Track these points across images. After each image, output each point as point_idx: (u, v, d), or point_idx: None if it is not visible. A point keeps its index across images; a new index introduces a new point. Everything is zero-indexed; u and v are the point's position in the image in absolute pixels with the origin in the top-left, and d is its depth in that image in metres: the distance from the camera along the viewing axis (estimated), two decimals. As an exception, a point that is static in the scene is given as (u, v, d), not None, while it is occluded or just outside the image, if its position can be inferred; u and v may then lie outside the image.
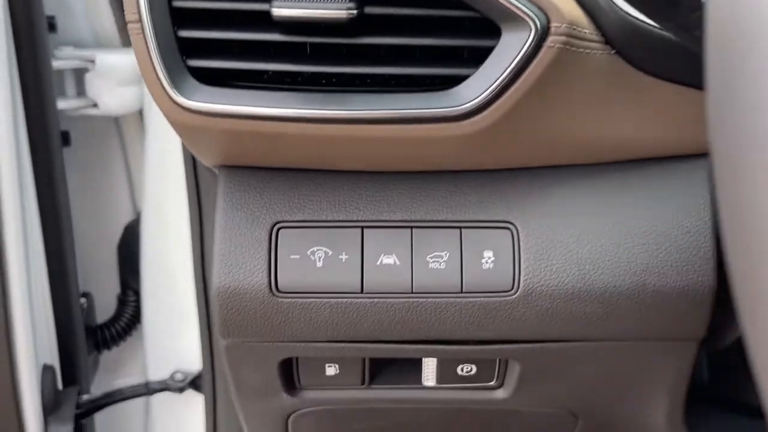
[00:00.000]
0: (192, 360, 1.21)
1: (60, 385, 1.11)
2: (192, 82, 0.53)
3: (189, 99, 0.53)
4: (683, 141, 0.62)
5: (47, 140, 1.01)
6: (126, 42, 1.13)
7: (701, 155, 0.64)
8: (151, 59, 0.52)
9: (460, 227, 0.61)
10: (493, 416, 0.76)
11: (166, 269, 1.18)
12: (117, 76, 1.07)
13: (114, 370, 1.36)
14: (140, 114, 1.19)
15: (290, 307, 0.61)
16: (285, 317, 0.62)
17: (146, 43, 0.52)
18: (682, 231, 0.62)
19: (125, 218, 1.28)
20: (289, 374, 0.70)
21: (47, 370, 1.05)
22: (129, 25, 0.52)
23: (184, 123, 0.54)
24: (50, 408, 1.04)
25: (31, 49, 0.95)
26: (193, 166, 0.94)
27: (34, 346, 1.00)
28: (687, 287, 0.62)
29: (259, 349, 0.65)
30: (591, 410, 0.74)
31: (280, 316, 0.61)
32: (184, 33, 0.53)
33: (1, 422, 0.98)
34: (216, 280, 0.60)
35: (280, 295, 0.61)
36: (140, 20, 0.52)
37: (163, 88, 0.53)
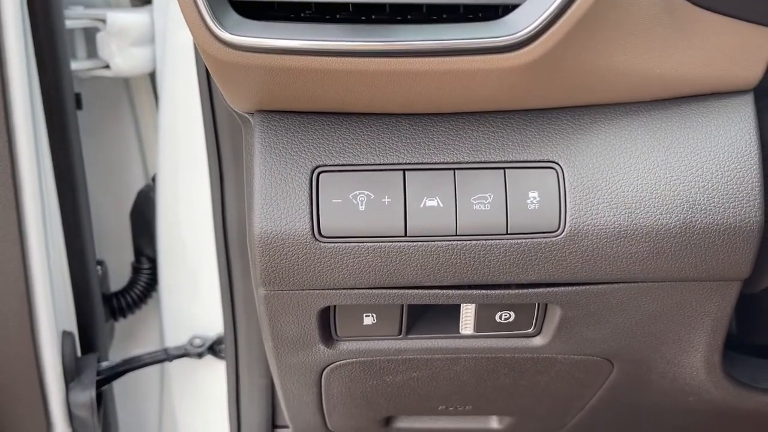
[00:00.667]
0: (209, 325, 1.20)
1: (79, 352, 1.10)
2: (234, 16, 0.52)
3: (232, 34, 0.51)
4: (729, 77, 0.61)
5: (62, 103, 0.99)
6: (135, 1, 1.11)
7: (745, 92, 0.63)
8: (192, -9, 0.50)
9: (503, 168, 0.60)
10: (528, 365, 0.75)
11: (182, 234, 1.16)
12: (129, 36, 1.05)
13: (129, 340, 1.35)
14: (150, 77, 1.17)
15: (333, 252, 0.60)
16: (327, 263, 0.61)
17: None
18: (728, 167, 0.61)
19: (137, 184, 1.26)
20: (326, 325, 0.69)
21: (67, 336, 1.04)
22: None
23: (225, 61, 0.53)
24: (71, 374, 1.03)
25: (44, 8, 0.93)
26: (213, 123, 0.92)
27: (54, 312, 0.98)
28: (734, 224, 0.61)
29: (298, 298, 0.64)
30: (628, 356, 0.74)
31: (322, 261, 0.60)
32: None
33: (23, 388, 0.98)
34: (257, 226, 0.59)
35: (323, 239, 0.60)
36: (180, -48, 0.50)
37: (205, 23, 0.51)
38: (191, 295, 1.20)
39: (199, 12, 0.51)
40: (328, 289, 0.63)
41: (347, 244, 0.60)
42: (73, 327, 1.08)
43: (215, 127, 0.95)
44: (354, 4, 0.53)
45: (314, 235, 0.59)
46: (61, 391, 1.00)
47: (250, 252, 0.64)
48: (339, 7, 0.54)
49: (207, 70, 0.88)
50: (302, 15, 0.55)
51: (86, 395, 1.02)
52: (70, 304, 1.08)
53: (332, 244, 0.60)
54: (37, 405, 0.98)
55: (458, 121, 0.62)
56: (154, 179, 1.21)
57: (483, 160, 0.61)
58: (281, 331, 0.68)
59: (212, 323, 1.19)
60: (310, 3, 0.53)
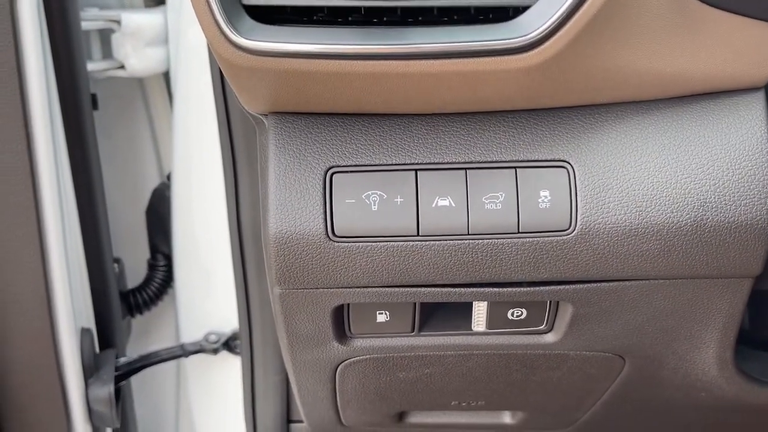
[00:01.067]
0: (224, 321, 1.22)
1: (97, 348, 1.11)
2: (249, 22, 0.52)
3: (247, 38, 0.52)
4: (740, 75, 0.61)
5: (78, 104, 1.00)
6: (149, 2, 1.12)
7: (756, 89, 0.63)
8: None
9: (515, 167, 0.61)
10: (540, 361, 0.76)
11: (197, 232, 1.18)
12: (144, 36, 1.06)
13: (146, 336, 1.37)
14: (163, 76, 1.19)
15: (346, 252, 0.61)
16: (341, 262, 0.61)
17: None
18: (739, 165, 0.61)
19: (152, 182, 1.28)
20: (340, 322, 0.70)
21: (85, 333, 1.06)
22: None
23: (240, 65, 0.54)
24: (90, 370, 1.05)
25: (60, 10, 0.94)
26: (227, 122, 0.93)
27: (72, 309, 1.00)
28: (745, 222, 0.61)
29: (312, 296, 0.65)
30: (640, 352, 0.75)
31: (336, 261, 0.61)
32: None
33: (44, 385, 1.00)
34: (272, 227, 0.60)
35: (337, 239, 0.61)
36: (195, -41, 0.51)
37: (220, 28, 0.52)
38: (206, 291, 1.22)
39: (214, 17, 0.52)
40: (341, 287, 0.64)
41: (360, 244, 0.61)
42: (91, 324, 1.10)
43: (229, 125, 0.96)
44: (366, 7, 0.54)
45: (328, 235, 0.60)
46: (81, 386, 1.02)
47: (265, 252, 0.65)
48: (351, 9, 0.55)
49: (221, 70, 0.89)
50: (315, 18, 0.56)
51: (105, 391, 1.03)
52: (88, 301, 1.10)
53: (346, 244, 0.61)
54: (57, 400, 1.00)
55: (470, 121, 0.63)
56: (169, 177, 1.23)
57: (494, 159, 0.61)
58: (296, 328, 0.69)
59: (227, 319, 1.21)
60: (322, 6, 0.54)
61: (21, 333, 0.98)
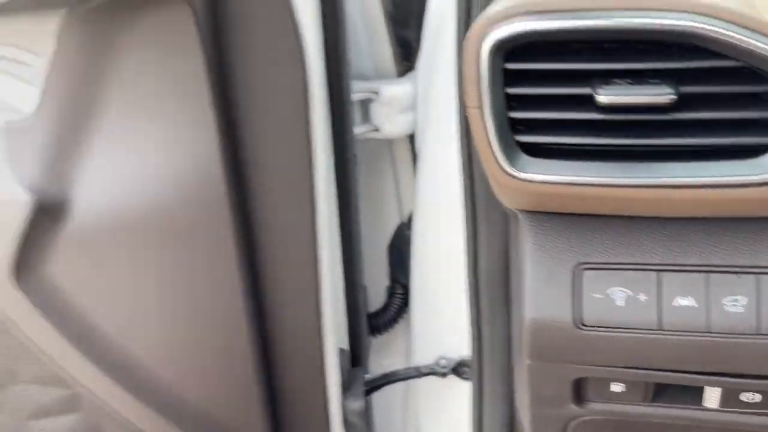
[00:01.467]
0: (453, 349, 1.35)
1: (349, 366, 1.31)
2: (522, 156, 0.64)
3: (521, 171, 0.64)
4: None
5: (346, 162, 1.20)
6: (400, 73, 1.28)
7: None
8: (488, 138, 0.63)
9: (757, 273, 0.66)
10: (772, 438, 0.79)
11: (433, 269, 1.32)
12: (397, 105, 1.22)
13: (378, 354, 1.55)
14: (408, 137, 1.35)
15: (592, 339, 0.71)
16: (586, 346, 0.71)
17: (485, 125, 0.63)
18: None
19: (393, 222, 1.45)
20: (578, 389, 0.79)
21: (343, 353, 1.25)
22: (469, 110, 0.64)
23: (513, 188, 0.66)
24: (345, 386, 1.24)
25: (338, 87, 1.13)
26: (470, 184, 1.05)
27: (335, 331, 1.20)
28: None
29: (558, 369, 0.75)
30: None
31: (582, 345, 0.71)
32: (516, 114, 0.63)
33: (311, 398, 1.20)
34: (528, 313, 0.71)
35: (585, 328, 0.70)
36: (480, 106, 0.63)
37: (498, 162, 0.64)
38: (438, 320, 1.36)
39: (494, 154, 0.64)
40: (584, 365, 0.74)
41: (605, 334, 0.70)
42: (345, 344, 1.30)
43: (473, 186, 1.08)
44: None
45: (576, 325, 0.70)
46: (339, 400, 1.22)
47: (518, 329, 0.76)
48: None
49: (467, 137, 1.01)
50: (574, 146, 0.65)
51: (358, 404, 1.22)
52: (344, 323, 1.30)
53: (592, 333, 0.70)
54: (321, 412, 1.20)
55: (712, 224, 0.69)
56: (409, 218, 1.39)
57: (735, 264, 0.67)
58: (539, 392, 0.80)
59: (455, 346, 1.34)
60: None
61: (296, 352, 1.19)
